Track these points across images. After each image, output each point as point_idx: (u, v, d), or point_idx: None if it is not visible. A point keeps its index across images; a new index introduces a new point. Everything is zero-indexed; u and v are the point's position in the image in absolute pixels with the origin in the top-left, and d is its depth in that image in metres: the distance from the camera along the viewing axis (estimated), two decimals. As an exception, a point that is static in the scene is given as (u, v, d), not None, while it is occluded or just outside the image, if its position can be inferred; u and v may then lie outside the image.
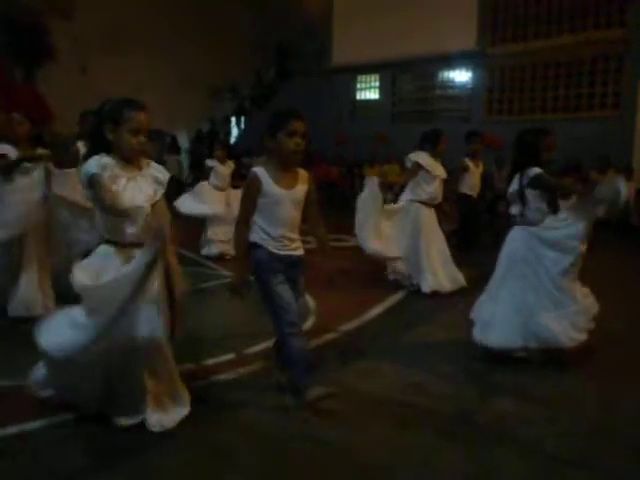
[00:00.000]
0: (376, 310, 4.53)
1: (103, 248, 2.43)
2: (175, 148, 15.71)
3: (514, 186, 3.48)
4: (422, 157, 5.05)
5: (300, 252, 2.79)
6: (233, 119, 18.73)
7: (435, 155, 5.08)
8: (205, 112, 17.34)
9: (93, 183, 2.31)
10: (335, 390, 2.80)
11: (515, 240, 3.46)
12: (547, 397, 2.97)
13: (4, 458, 2.27)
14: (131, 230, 2.40)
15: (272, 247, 2.68)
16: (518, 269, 3.40)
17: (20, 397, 2.70)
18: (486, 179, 5.82)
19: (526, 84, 12.50)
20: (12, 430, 2.45)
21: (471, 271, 5.32)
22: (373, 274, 5.36)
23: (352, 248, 7.42)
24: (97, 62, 14.06)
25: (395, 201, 5.45)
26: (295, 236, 2.76)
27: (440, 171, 5.09)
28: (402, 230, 5.03)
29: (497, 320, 3.37)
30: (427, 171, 5.02)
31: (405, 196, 5.20)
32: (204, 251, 6.42)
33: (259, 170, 2.67)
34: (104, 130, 2.39)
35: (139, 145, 2.41)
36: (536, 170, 3.35)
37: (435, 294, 4.89)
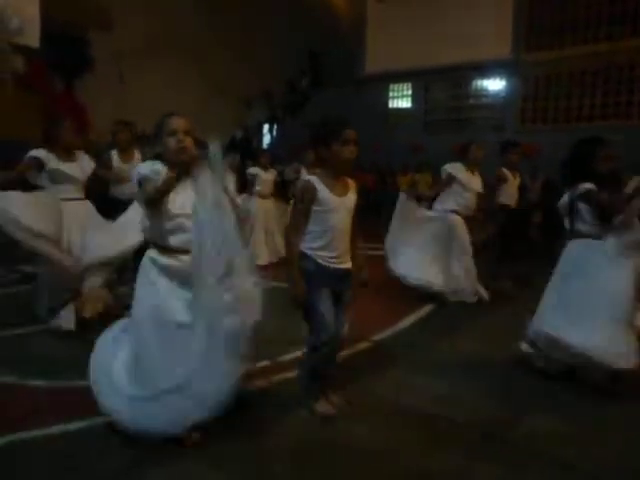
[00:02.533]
0: (409, 320, 4.53)
1: (148, 259, 2.50)
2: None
3: (565, 198, 3.41)
4: (457, 169, 5.03)
5: (349, 265, 2.76)
6: (265, 127, 18.90)
7: (470, 165, 5.06)
8: (238, 120, 17.55)
9: (144, 183, 2.41)
10: (346, 408, 2.82)
11: (570, 253, 3.39)
12: (586, 417, 2.89)
13: (45, 456, 2.34)
14: (179, 237, 2.44)
15: (321, 259, 2.67)
16: (574, 281, 3.28)
17: (64, 397, 2.79)
18: (521, 189, 5.74)
19: (561, 92, 12.31)
20: (56, 429, 2.53)
21: (504, 283, 5.28)
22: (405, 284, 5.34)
23: (383, 257, 7.43)
24: (133, 72, 14.37)
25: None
26: (345, 247, 2.74)
27: (475, 184, 5.06)
28: (433, 237, 5.03)
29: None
30: (461, 183, 5.01)
31: (438, 206, 5.19)
32: None
33: (313, 178, 2.67)
34: (155, 142, 2.54)
35: (178, 144, 2.45)
36: (587, 186, 3.25)
37: (461, 305, 4.91)
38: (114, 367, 2.50)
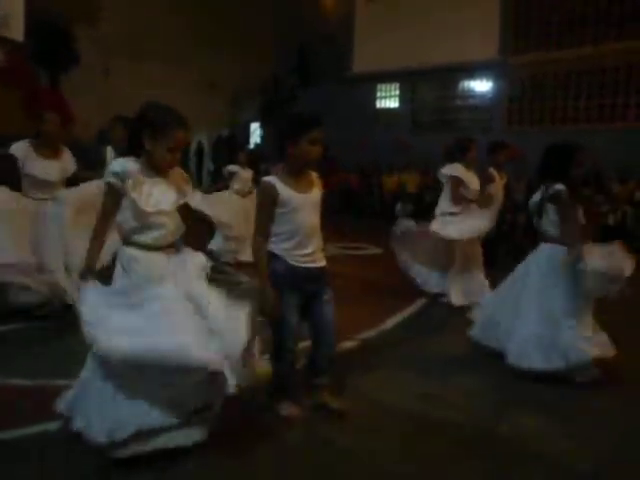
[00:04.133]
0: (395, 319, 4.53)
1: (128, 252, 2.37)
2: (200, 153, 15.85)
3: (536, 197, 3.46)
4: (457, 170, 5.03)
5: (322, 263, 2.70)
6: (253, 125, 18.85)
7: (467, 165, 5.06)
8: (226, 118, 17.49)
9: (106, 190, 2.34)
10: (339, 408, 2.79)
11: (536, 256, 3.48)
12: (570, 413, 2.93)
13: (29, 457, 2.31)
14: (157, 233, 2.36)
15: (294, 259, 2.59)
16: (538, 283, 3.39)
17: (43, 397, 2.75)
18: (506, 190, 5.77)
19: (547, 94, 12.43)
20: (36, 429, 2.49)
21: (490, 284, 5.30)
22: (392, 282, 5.35)
23: (370, 256, 7.47)
24: (119, 67, 14.26)
25: (413, 212, 5.45)
26: (317, 245, 2.67)
27: (475, 183, 5.08)
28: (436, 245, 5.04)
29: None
30: (463, 183, 5.00)
31: (440, 209, 5.17)
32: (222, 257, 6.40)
33: (272, 179, 2.58)
34: (142, 136, 2.34)
35: (173, 161, 2.39)
36: (559, 187, 3.30)
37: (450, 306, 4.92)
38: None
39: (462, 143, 5.08)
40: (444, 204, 5.13)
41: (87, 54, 13.68)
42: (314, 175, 2.72)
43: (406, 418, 2.81)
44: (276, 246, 2.62)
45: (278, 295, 2.56)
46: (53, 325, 3.83)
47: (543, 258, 3.41)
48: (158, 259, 2.37)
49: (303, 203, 2.60)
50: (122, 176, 2.31)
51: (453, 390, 3.16)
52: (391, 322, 4.46)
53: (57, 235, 3.89)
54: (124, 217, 2.35)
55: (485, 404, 3.03)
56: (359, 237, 6.61)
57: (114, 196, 2.33)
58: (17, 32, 10.33)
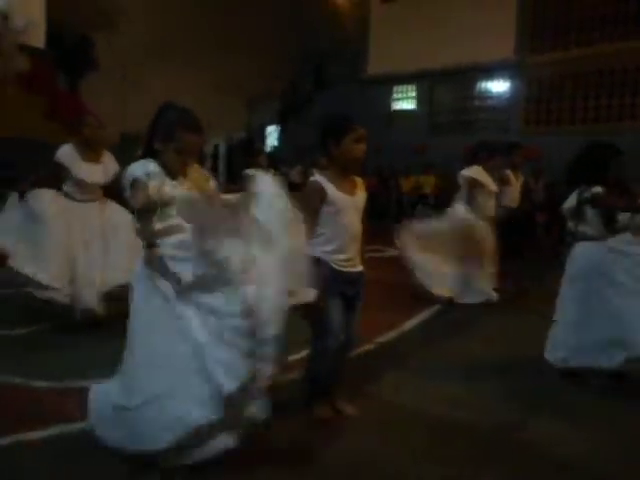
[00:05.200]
0: (412, 322, 4.51)
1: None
2: (215, 157, 15.90)
3: (571, 201, 3.39)
4: (476, 172, 5.01)
5: (360, 268, 2.69)
6: (269, 128, 18.92)
7: (487, 169, 5.05)
8: (242, 121, 17.59)
9: (135, 187, 2.24)
10: (352, 412, 2.78)
11: (581, 257, 3.37)
12: (590, 419, 2.88)
13: (43, 458, 2.33)
14: (175, 238, 2.27)
15: (335, 263, 2.58)
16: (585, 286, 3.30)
17: (60, 399, 2.78)
18: (524, 191, 5.73)
19: (566, 94, 12.28)
20: (55, 431, 2.51)
21: (507, 284, 5.26)
22: (409, 285, 5.32)
23: (388, 259, 7.42)
24: (136, 73, 14.43)
25: (430, 214, 5.43)
26: (357, 249, 2.66)
27: (493, 186, 5.06)
28: (455, 244, 5.01)
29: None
30: (482, 186, 5.01)
31: (455, 211, 5.17)
32: None
33: (319, 178, 2.57)
34: (153, 138, 2.31)
35: (184, 164, 2.33)
36: (597, 189, 3.23)
37: (468, 306, 4.90)
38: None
39: (486, 148, 5.09)
40: (458, 206, 5.15)
41: (105, 59, 13.88)
42: (358, 179, 2.71)
43: (426, 421, 2.78)
44: (319, 248, 2.57)
45: (323, 297, 2.47)
46: (69, 328, 3.87)
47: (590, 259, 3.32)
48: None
49: (348, 205, 2.59)
50: (144, 176, 2.25)
51: (473, 394, 3.13)
52: (409, 324, 4.44)
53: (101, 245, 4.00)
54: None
55: (505, 408, 2.99)
56: (376, 239, 6.58)
57: (145, 194, 2.24)
58: (38, 40, 10.51)
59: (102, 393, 2.38)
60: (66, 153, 4.00)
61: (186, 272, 2.17)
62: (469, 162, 5.14)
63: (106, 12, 13.92)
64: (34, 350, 3.56)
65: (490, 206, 5.10)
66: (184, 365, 2.12)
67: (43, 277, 3.79)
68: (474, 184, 5.01)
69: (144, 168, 2.28)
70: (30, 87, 10.18)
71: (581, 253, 3.35)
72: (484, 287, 5.02)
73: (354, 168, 2.64)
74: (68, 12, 11.88)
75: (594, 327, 3.22)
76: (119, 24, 14.32)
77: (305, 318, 2.55)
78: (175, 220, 2.28)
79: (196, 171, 2.44)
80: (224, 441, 2.19)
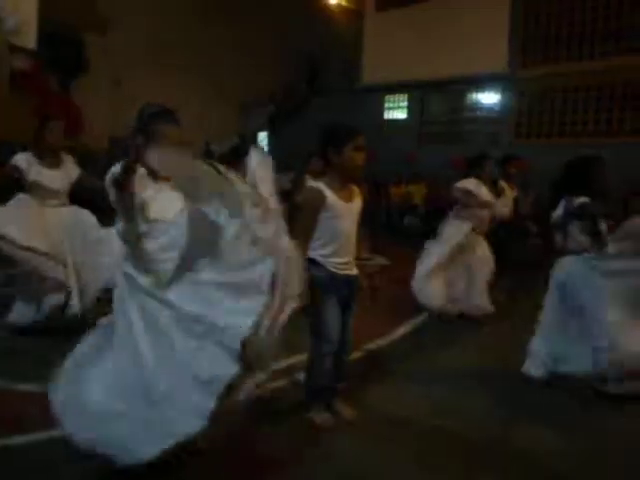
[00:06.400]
0: (402, 330, 4.53)
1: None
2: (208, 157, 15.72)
3: (558, 212, 3.43)
4: (471, 183, 5.02)
5: (355, 272, 2.77)
6: (261, 134, 18.91)
7: (483, 180, 5.06)
8: (236, 126, 17.56)
9: (115, 184, 2.17)
10: (351, 417, 2.79)
11: (563, 269, 3.41)
12: (583, 428, 2.89)
13: (27, 463, 2.30)
14: (151, 245, 2.23)
15: (332, 266, 2.65)
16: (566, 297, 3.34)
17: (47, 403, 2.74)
18: (515, 203, 5.77)
19: (556, 107, 12.42)
20: (41, 436, 2.48)
21: (499, 295, 5.28)
22: (399, 293, 5.32)
23: (377, 267, 7.44)
24: (129, 76, 14.36)
25: (419, 224, 5.43)
26: (353, 253, 2.75)
27: (487, 196, 5.06)
28: (452, 259, 5.01)
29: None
30: (477, 197, 4.99)
31: (451, 222, 5.16)
32: None
33: (319, 184, 2.64)
34: (136, 138, 2.26)
35: (167, 161, 2.19)
36: (583, 199, 3.27)
37: (461, 317, 4.88)
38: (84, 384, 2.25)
39: (479, 160, 5.10)
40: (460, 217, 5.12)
41: (97, 62, 13.81)
42: (355, 187, 2.77)
43: (414, 430, 2.79)
44: (315, 252, 2.66)
45: (320, 301, 2.60)
46: (60, 335, 3.81)
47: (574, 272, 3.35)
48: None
49: (345, 212, 2.66)
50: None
51: (462, 402, 3.14)
52: (399, 333, 4.45)
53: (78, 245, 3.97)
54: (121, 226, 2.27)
55: (495, 417, 3.01)
56: (367, 248, 6.58)
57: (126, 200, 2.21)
58: (30, 40, 10.42)
59: (73, 396, 2.24)
60: (23, 158, 3.92)
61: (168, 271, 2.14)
62: (464, 174, 5.16)
63: (99, 14, 13.88)
64: (18, 353, 3.52)
65: (485, 217, 5.11)
66: (172, 371, 2.06)
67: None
68: (469, 195, 5.02)
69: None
70: (21, 88, 10.10)
71: (561, 267, 3.40)
72: (482, 301, 5.01)
73: (354, 176, 2.70)
74: (60, 13, 11.82)
75: (576, 335, 3.28)
76: (112, 26, 14.27)
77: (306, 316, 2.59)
78: (157, 223, 2.23)
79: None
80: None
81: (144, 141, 2.24)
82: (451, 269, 4.98)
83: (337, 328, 2.67)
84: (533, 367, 3.42)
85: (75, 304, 3.84)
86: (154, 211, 2.24)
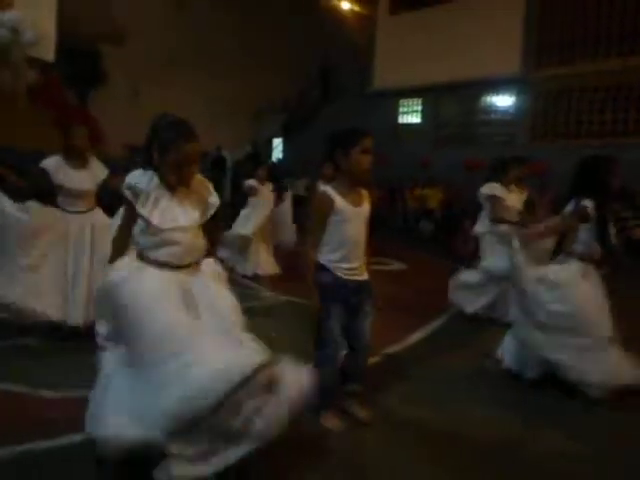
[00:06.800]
0: (419, 334, 4.51)
1: (134, 262, 2.29)
2: (222, 167, 15.69)
3: (567, 210, 3.40)
4: (495, 189, 5.01)
5: (365, 276, 2.75)
6: (275, 141, 19.02)
7: (506, 184, 5.04)
8: (249, 133, 17.69)
9: (125, 199, 2.26)
10: (367, 419, 2.80)
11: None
12: (598, 434, 2.87)
13: (49, 468, 2.33)
14: (168, 250, 2.26)
15: (340, 271, 2.65)
16: None
17: (69, 408, 2.78)
18: (529, 205, 5.72)
19: (572, 108, 12.32)
20: (63, 441, 2.52)
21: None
22: (415, 298, 5.33)
23: (394, 272, 7.43)
24: (145, 86, 14.57)
25: (433, 229, 5.39)
26: (362, 258, 2.73)
27: (514, 201, 5.04)
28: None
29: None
30: (503, 201, 4.97)
31: (478, 229, 5.16)
32: (240, 270, 6.40)
33: (327, 188, 2.64)
34: (151, 149, 2.28)
35: (183, 177, 2.29)
36: (586, 203, 3.25)
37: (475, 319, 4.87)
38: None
39: (500, 164, 5.09)
40: (481, 225, 5.12)
41: (115, 74, 14.03)
42: (364, 191, 2.76)
43: (429, 434, 2.79)
44: (323, 257, 2.66)
45: (324, 305, 2.61)
46: (71, 338, 3.85)
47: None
48: (171, 278, 2.24)
49: (354, 216, 2.65)
50: (134, 190, 2.25)
51: (477, 408, 3.12)
52: (415, 337, 4.44)
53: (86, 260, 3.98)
54: (137, 232, 2.30)
55: (512, 422, 2.98)
56: (382, 252, 6.58)
57: (130, 209, 2.28)
58: (48, 53, 10.62)
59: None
60: (51, 161, 4.01)
61: None
62: (487, 179, 5.14)
63: (116, 26, 14.11)
64: (41, 359, 3.57)
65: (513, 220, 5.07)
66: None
67: (39, 308, 3.78)
68: (495, 200, 5.00)
69: (135, 180, 2.27)
70: (39, 100, 10.29)
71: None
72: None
73: (362, 179, 2.68)
74: (78, 26, 12.05)
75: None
76: (130, 38, 14.50)
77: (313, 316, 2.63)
78: (166, 234, 2.26)
79: (200, 182, 2.41)
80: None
81: (161, 154, 2.26)
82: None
83: (338, 331, 2.66)
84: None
85: (73, 316, 3.87)
86: (168, 221, 2.26)
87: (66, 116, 10.28)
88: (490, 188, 5.02)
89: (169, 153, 2.23)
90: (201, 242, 2.38)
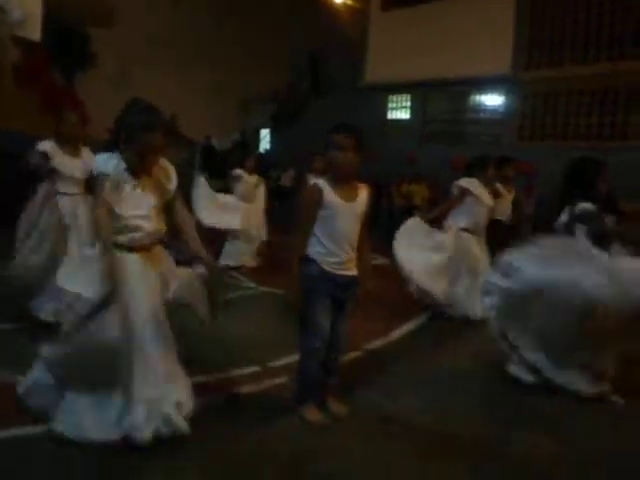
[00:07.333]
0: (402, 330, 4.53)
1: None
2: (210, 156, 15.46)
3: (563, 218, 3.41)
4: (472, 183, 5.03)
5: (353, 272, 2.74)
6: (263, 131, 18.90)
7: (484, 182, 5.07)
8: (236, 122, 17.58)
9: (97, 184, 2.35)
10: (342, 414, 2.81)
11: None
12: (581, 435, 2.88)
13: (29, 455, 2.31)
14: (133, 235, 2.40)
15: (327, 265, 2.65)
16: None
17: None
18: (515, 204, 5.78)
19: (560, 110, 12.40)
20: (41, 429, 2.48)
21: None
22: (398, 293, 5.33)
23: (377, 267, 7.44)
24: (133, 70, 14.40)
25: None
26: (352, 254, 2.72)
27: (488, 199, 5.08)
28: (451, 261, 4.99)
29: None
30: (476, 198, 5.01)
31: (450, 222, 5.16)
32: (224, 261, 6.37)
33: (319, 181, 2.66)
34: (119, 133, 2.39)
35: (147, 163, 2.41)
36: (586, 206, 3.26)
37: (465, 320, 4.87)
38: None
39: (482, 161, 5.11)
40: (457, 218, 5.12)
41: (103, 56, 13.83)
42: (362, 185, 2.76)
43: (410, 432, 2.79)
44: (312, 249, 2.67)
45: (310, 298, 2.63)
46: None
47: None
48: (131, 260, 2.39)
49: (344, 211, 2.65)
50: (101, 175, 2.33)
51: (457, 406, 3.14)
52: (397, 333, 4.46)
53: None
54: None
55: (494, 420, 3.01)
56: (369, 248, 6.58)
57: (101, 194, 2.35)
58: (34, 32, 10.41)
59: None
60: (48, 145, 4.02)
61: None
62: (464, 175, 5.16)
63: (105, 8, 13.88)
64: (24, 346, 3.52)
65: (483, 219, 5.11)
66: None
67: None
68: (467, 194, 5.03)
69: (105, 165, 2.35)
70: (25, 80, 10.10)
71: None
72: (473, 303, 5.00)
73: (344, 174, 2.66)
74: (66, 6, 11.82)
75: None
76: (117, 21, 14.28)
77: (292, 312, 2.69)
78: (129, 220, 2.36)
79: (160, 168, 2.50)
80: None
81: (126, 142, 2.35)
82: (451, 270, 4.98)
83: (325, 324, 2.68)
84: (523, 372, 3.41)
85: None
86: (128, 208, 2.36)
87: (53, 98, 10.12)
88: (467, 182, 5.04)
89: (132, 141, 2.33)
90: (162, 226, 2.51)
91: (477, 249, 5.06)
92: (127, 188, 2.36)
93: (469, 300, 4.93)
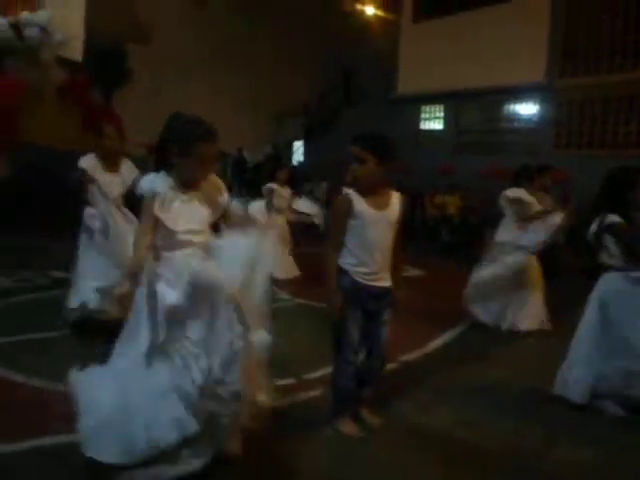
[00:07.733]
0: (437, 342, 4.50)
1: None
2: (242, 168, 15.67)
3: (592, 228, 3.34)
4: (520, 193, 4.96)
5: (387, 283, 2.72)
6: (296, 144, 19.05)
7: (533, 191, 5.00)
8: (269, 136, 17.76)
9: (143, 204, 2.30)
10: (377, 425, 2.80)
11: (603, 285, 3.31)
12: (615, 447, 2.83)
13: (66, 463, 2.36)
14: (183, 252, 2.30)
15: (358, 276, 2.63)
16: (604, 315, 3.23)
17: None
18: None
19: (597, 118, 12.16)
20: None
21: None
22: (433, 305, 5.30)
23: (411, 278, 7.40)
24: (169, 85, 14.71)
25: (451, 236, 5.34)
26: (384, 264, 2.69)
27: (538, 207, 4.98)
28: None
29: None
30: (528, 205, 4.92)
31: (500, 236, 5.10)
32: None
33: (350, 192, 2.64)
34: (168, 150, 2.30)
35: (204, 174, 2.35)
36: (614, 218, 3.19)
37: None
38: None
39: (528, 170, 5.05)
40: (505, 232, 5.05)
41: (139, 72, 14.19)
42: (395, 194, 2.74)
43: (445, 444, 2.78)
44: (343, 260, 2.66)
45: (342, 307, 2.61)
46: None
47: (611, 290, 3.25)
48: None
49: (375, 219, 2.63)
50: (150, 194, 2.28)
51: (494, 419, 3.10)
52: (432, 345, 4.43)
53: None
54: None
55: (527, 435, 2.95)
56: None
57: (149, 211, 2.28)
58: (76, 53, 10.81)
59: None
60: (88, 161, 4.10)
61: (168, 295, 2.17)
62: (511, 185, 5.10)
63: (143, 25, 14.29)
64: (63, 354, 3.61)
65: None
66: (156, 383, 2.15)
67: None
68: (518, 203, 4.96)
69: (152, 184, 2.30)
70: (67, 99, 10.45)
71: (604, 282, 3.30)
72: (539, 313, 4.95)
73: (364, 187, 2.64)
74: (106, 26, 12.21)
75: (615, 356, 3.17)
76: (153, 37, 14.67)
77: (329, 324, 2.66)
78: (182, 235, 2.29)
79: (210, 183, 2.43)
80: (192, 463, 2.18)
81: (181, 155, 2.28)
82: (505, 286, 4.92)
83: (357, 336, 2.66)
84: (575, 393, 3.27)
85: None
86: (180, 224, 2.29)
87: (94, 116, 10.44)
88: (515, 192, 4.97)
89: (189, 153, 2.26)
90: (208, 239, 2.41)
91: (532, 264, 5.00)
92: (177, 203, 2.30)
93: (514, 313, 4.86)
